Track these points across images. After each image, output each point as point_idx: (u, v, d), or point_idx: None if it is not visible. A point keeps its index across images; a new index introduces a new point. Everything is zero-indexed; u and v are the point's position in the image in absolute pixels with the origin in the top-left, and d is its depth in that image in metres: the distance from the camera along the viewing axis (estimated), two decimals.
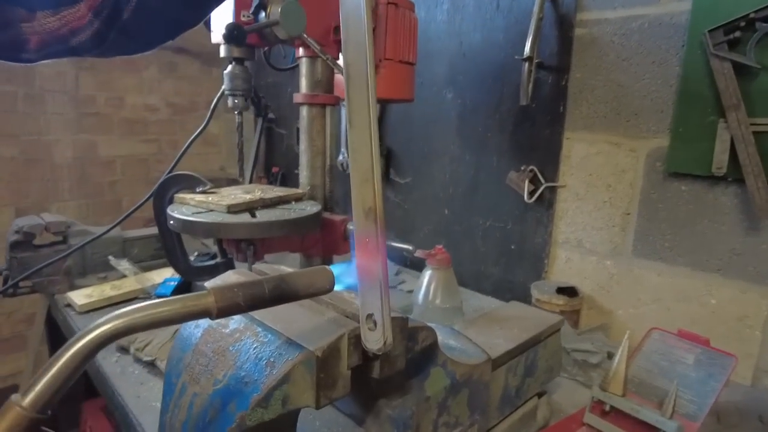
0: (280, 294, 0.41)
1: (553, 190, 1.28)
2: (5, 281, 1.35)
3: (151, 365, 0.99)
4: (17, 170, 2.13)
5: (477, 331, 0.77)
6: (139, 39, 0.77)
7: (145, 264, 1.51)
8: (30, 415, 0.33)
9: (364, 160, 0.38)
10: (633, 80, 1.11)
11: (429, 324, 0.54)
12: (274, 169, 2.30)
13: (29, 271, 1.25)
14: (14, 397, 0.33)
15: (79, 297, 1.28)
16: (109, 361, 1.03)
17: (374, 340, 0.41)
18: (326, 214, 1.05)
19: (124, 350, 1.05)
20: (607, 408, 0.78)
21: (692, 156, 1.02)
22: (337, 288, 0.45)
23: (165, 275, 1.41)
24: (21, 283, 1.35)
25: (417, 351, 0.51)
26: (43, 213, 1.48)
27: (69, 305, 1.28)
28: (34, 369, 2.05)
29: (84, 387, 1.67)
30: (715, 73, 0.95)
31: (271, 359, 0.42)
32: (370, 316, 0.41)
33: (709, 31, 0.94)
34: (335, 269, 0.45)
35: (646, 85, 1.09)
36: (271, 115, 2.28)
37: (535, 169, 1.29)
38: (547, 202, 1.29)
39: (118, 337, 0.35)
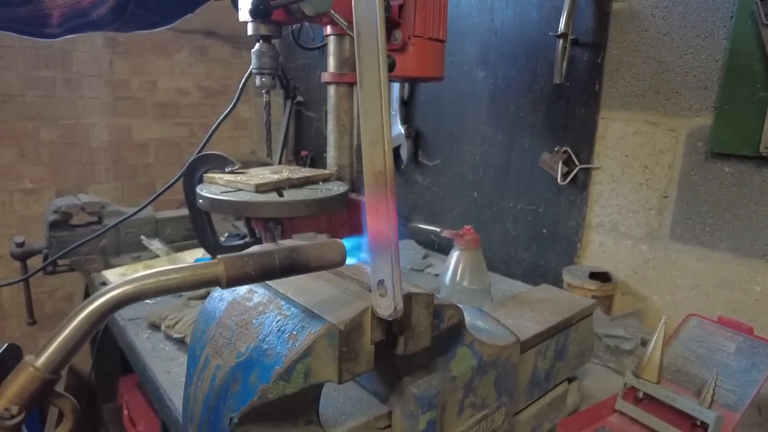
0: (290, 265, 0.40)
1: (587, 171, 1.23)
2: (45, 259, 1.40)
3: (180, 342, 1.01)
4: (57, 153, 2.20)
5: (506, 313, 0.75)
6: (157, 11, 0.78)
7: (177, 244, 1.54)
8: (43, 375, 0.33)
9: (374, 122, 0.37)
10: (674, 56, 1.06)
11: (456, 303, 0.53)
12: (303, 153, 2.31)
13: (66, 249, 1.29)
14: (28, 358, 0.34)
15: (114, 275, 1.31)
16: (141, 338, 1.06)
17: (385, 306, 0.41)
18: (353, 195, 1.04)
19: (155, 327, 1.08)
20: (641, 395, 0.75)
21: (738, 135, 0.96)
22: (348, 261, 0.44)
23: (196, 255, 1.43)
24: (60, 262, 1.40)
25: (443, 329, 0.50)
26: (79, 194, 1.52)
27: (104, 283, 1.32)
28: None
29: (120, 363, 1.73)
30: (766, 45, 0.89)
31: (294, 332, 0.41)
32: (381, 282, 0.40)
33: (761, 0, 0.88)
34: (347, 243, 0.44)
35: (688, 61, 1.04)
36: (300, 98, 2.29)
37: (569, 150, 1.25)
38: (581, 184, 1.25)
39: (127, 302, 0.35)
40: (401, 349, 0.46)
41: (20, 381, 0.33)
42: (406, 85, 1.68)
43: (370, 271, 0.41)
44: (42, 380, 0.33)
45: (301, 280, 0.48)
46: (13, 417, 0.33)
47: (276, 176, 0.98)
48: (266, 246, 0.48)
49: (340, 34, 1.03)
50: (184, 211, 1.55)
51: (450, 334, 0.53)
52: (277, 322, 0.43)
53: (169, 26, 0.98)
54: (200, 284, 0.37)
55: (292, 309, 0.44)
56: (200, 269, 0.37)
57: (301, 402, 0.45)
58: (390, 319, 0.41)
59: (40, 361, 0.33)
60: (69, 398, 0.37)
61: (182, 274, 0.37)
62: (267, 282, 0.47)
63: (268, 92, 1.02)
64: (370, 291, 0.42)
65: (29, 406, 0.34)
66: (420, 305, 0.46)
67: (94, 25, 0.76)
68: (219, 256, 0.38)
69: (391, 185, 0.37)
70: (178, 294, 1.26)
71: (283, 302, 0.45)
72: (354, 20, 0.36)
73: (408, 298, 0.44)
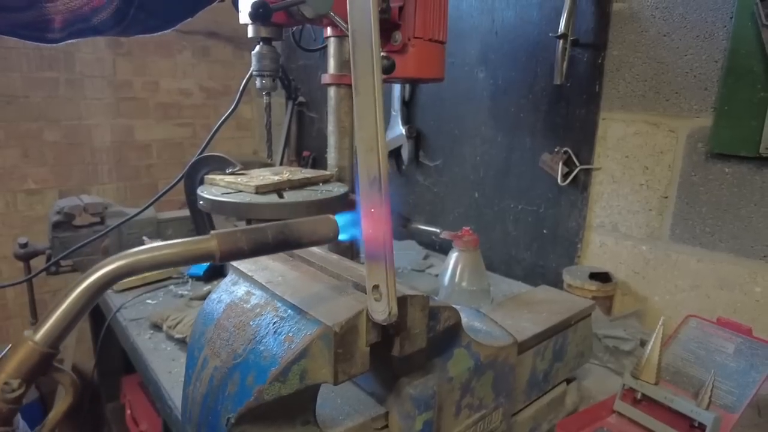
0: (283, 240, 0.40)
1: (587, 172, 1.23)
2: (48, 260, 1.41)
3: (182, 342, 1.01)
4: (60, 154, 2.21)
5: (504, 314, 0.76)
6: (158, 15, 0.79)
7: None
8: (41, 349, 0.34)
9: (368, 128, 0.37)
10: (675, 56, 1.05)
11: (453, 305, 0.53)
12: (305, 154, 2.31)
13: (69, 250, 1.30)
14: (26, 332, 0.35)
15: None
16: (143, 338, 1.06)
17: (379, 311, 0.41)
18: (353, 196, 1.05)
19: (157, 328, 1.08)
20: (639, 396, 0.75)
21: (738, 136, 0.96)
22: (341, 237, 0.45)
23: None
24: (62, 262, 1.41)
25: (439, 330, 0.51)
26: (82, 195, 1.53)
27: None
28: (77, 344, 2.15)
29: (123, 363, 1.74)
30: (766, 46, 0.89)
31: (290, 334, 0.42)
32: (376, 287, 0.41)
33: (761, 1, 0.88)
34: (340, 219, 0.44)
35: (688, 62, 1.04)
36: (301, 99, 2.29)
37: (570, 150, 1.25)
38: (581, 184, 1.25)
39: (122, 276, 0.36)
40: (397, 350, 0.46)
41: (19, 355, 0.34)
42: (407, 85, 1.68)
43: (365, 275, 0.42)
44: (41, 354, 0.34)
45: (298, 282, 0.48)
46: (13, 391, 0.33)
47: (276, 178, 0.98)
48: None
49: (341, 36, 1.03)
50: (186, 212, 1.56)
51: (447, 336, 0.54)
52: (273, 324, 0.44)
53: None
54: (193, 259, 0.37)
55: (289, 311, 0.45)
56: (193, 244, 0.37)
57: (298, 402, 0.45)
58: (385, 323, 0.41)
59: (39, 335, 0.34)
60: (69, 373, 0.38)
61: (175, 249, 0.37)
62: (265, 284, 0.48)
63: (268, 94, 1.02)
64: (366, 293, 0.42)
65: (29, 380, 0.34)
66: (415, 307, 0.46)
67: (95, 30, 0.77)
68: (212, 232, 0.38)
69: (386, 191, 0.38)
70: (179, 295, 1.26)
71: (279, 304, 0.46)
72: (349, 28, 0.36)
73: (403, 300, 0.45)
